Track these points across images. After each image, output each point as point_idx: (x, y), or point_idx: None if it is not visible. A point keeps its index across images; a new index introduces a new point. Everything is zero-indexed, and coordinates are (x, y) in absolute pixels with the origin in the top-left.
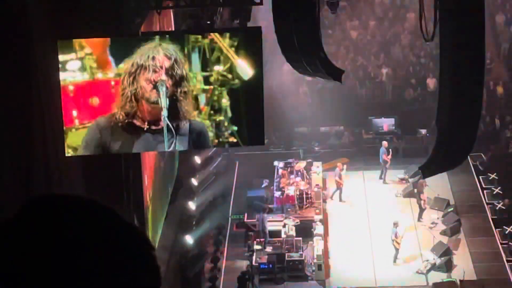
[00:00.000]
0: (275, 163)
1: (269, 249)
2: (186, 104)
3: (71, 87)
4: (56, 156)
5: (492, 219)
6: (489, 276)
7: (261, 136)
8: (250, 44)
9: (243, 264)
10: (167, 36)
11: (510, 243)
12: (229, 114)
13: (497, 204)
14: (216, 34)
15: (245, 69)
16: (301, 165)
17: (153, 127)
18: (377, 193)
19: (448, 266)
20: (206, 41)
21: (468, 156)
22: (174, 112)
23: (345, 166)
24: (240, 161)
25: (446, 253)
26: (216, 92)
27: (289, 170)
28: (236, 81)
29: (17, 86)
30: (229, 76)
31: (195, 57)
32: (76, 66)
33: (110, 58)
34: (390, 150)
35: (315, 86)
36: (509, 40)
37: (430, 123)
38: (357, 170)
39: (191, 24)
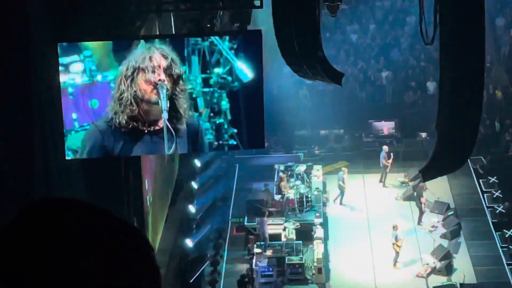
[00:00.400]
0: (275, 166)
1: (269, 252)
2: (184, 102)
3: (70, 90)
4: (56, 160)
5: (492, 222)
6: (489, 280)
7: (261, 139)
8: (250, 47)
9: (243, 267)
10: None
11: (510, 246)
12: (229, 116)
13: (497, 208)
14: (216, 37)
15: (245, 72)
16: (301, 168)
17: (153, 129)
18: (377, 197)
19: (448, 270)
20: (206, 43)
21: (468, 160)
22: (173, 112)
23: (347, 171)
24: (240, 164)
25: (446, 256)
26: (216, 95)
27: (289, 173)
28: (236, 83)
29: (17, 88)
30: (229, 78)
31: (195, 60)
32: (77, 68)
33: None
34: (391, 154)
35: (315, 89)
36: (509, 44)
37: (430, 127)
38: (357, 174)
39: (191, 28)
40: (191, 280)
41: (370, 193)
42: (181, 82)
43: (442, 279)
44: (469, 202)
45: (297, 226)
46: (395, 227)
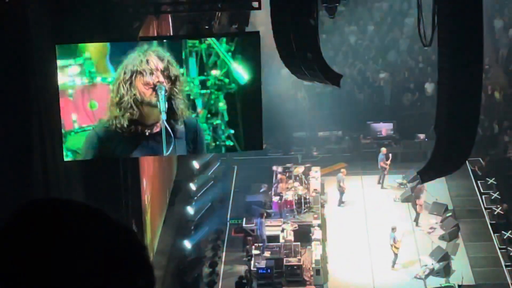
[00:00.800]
0: (274, 168)
1: (267, 254)
2: (181, 103)
3: (70, 91)
4: (54, 161)
5: (490, 224)
6: (487, 281)
7: (259, 141)
8: (248, 48)
9: (241, 269)
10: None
11: (508, 248)
12: (226, 118)
13: (495, 209)
14: (213, 39)
15: (241, 74)
16: (299, 170)
17: (153, 131)
18: (376, 198)
19: (446, 271)
20: (204, 45)
21: (467, 161)
22: (171, 113)
23: (345, 172)
24: (238, 166)
25: (445, 258)
26: (213, 96)
27: (287, 175)
28: (233, 85)
29: (16, 89)
30: (226, 80)
31: (192, 62)
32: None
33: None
34: (390, 155)
35: (314, 91)
36: (507, 45)
37: (429, 128)
38: (356, 175)
39: (189, 29)
40: (190, 282)
41: (368, 195)
42: (178, 82)
43: (440, 281)
44: (467, 203)
45: (295, 227)
46: (393, 229)
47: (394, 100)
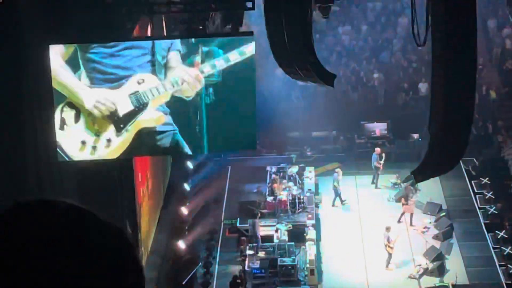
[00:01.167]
0: (268, 168)
1: (261, 254)
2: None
3: None
4: (48, 162)
5: (484, 223)
6: (481, 281)
7: (253, 141)
8: (242, 48)
9: (235, 269)
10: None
11: (502, 247)
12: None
13: (489, 209)
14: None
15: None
16: (293, 170)
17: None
18: (370, 198)
19: (440, 271)
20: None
21: (460, 161)
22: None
23: (340, 171)
24: (232, 166)
25: (439, 257)
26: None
27: (281, 175)
28: (228, 85)
29: (9, 90)
30: (220, 79)
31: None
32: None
33: None
34: (384, 155)
35: (307, 91)
36: (501, 45)
37: (423, 128)
38: (350, 175)
39: (183, 29)
40: (184, 282)
41: (362, 195)
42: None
43: (434, 280)
44: (461, 203)
45: (290, 227)
46: (387, 229)
47: (388, 100)
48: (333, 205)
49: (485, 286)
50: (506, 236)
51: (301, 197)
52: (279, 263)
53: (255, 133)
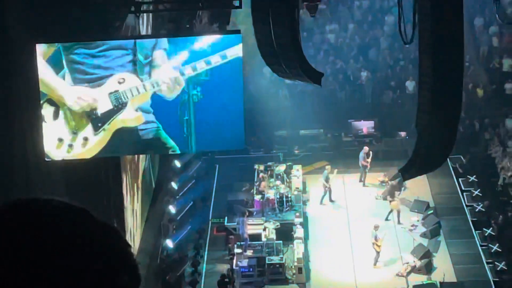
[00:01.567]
0: (255, 166)
1: (249, 252)
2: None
3: None
4: (36, 161)
5: (471, 221)
6: (469, 278)
7: (241, 140)
8: (229, 47)
9: (223, 267)
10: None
11: (490, 245)
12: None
13: (476, 206)
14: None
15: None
16: (281, 168)
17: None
18: (357, 196)
19: (428, 269)
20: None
21: (448, 159)
22: None
23: (330, 169)
24: (220, 164)
25: (426, 255)
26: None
27: (269, 173)
28: (215, 83)
29: None
30: (207, 78)
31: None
32: None
33: None
34: (371, 153)
35: (295, 89)
36: (487, 43)
37: (410, 126)
38: (337, 173)
39: (170, 28)
40: (172, 281)
41: (350, 193)
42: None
43: (422, 278)
44: (448, 201)
45: (277, 226)
46: (375, 227)
47: (375, 98)
48: (321, 203)
49: (473, 284)
50: (494, 234)
51: (289, 196)
52: (267, 262)
53: (243, 132)
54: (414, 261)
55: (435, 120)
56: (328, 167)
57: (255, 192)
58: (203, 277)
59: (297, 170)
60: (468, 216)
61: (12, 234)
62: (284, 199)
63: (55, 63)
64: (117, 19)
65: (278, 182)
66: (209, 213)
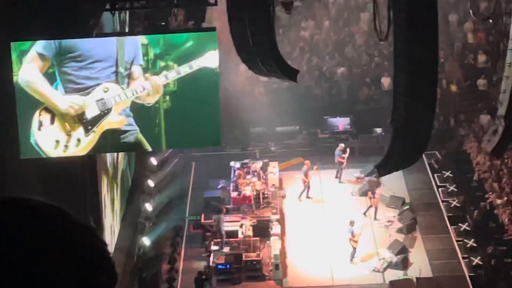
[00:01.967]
0: (232, 163)
1: (226, 249)
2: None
3: None
4: (11, 159)
5: (447, 216)
6: (445, 273)
7: (217, 137)
8: (205, 44)
9: (200, 265)
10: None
11: (465, 240)
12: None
13: (452, 202)
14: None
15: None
16: (257, 165)
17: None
18: (334, 192)
19: (404, 264)
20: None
21: (423, 155)
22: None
23: (310, 164)
24: (196, 162)
25: (403, 251)
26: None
27: (245, 170)
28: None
29: None
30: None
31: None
32: None
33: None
34: (347, 149)
35: (271, 86)
36: (462, 39)
37: (386, 122)
38: (315, 170)
39: (146, 25)
40: (149, 278)
41: (326, 189)
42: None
43: (398, 274)
44: (424, 196)
45: (254, 222)
46: (352, 223)
47: (351, 94)
48: (299, 198)
49: (449, 279)
50: (469, 229)
51: (266, 192)
52: (244, 259)
53: (219, 130)
54: (390, 257)
55: (410, 116)
56: (307, 161)
57: (231, 189)
58: (180, 275)
59: (274, 167)
60: (444, 212)
61: None
62: (261, 195)
63: (50, 76)
64: (92, 16)
65: (254, 179)
66: (185, 211)
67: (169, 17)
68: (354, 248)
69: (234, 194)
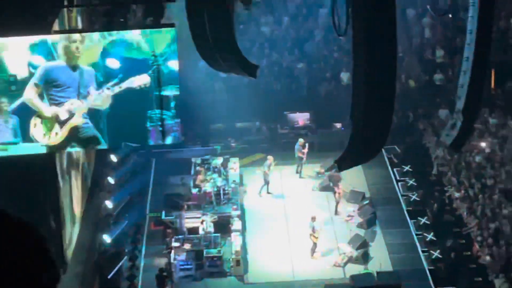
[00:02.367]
0: (192, 159)
1: (187, 246)
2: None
3: None
4: None
5: (407, 210)
6: (405, 267)
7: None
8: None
9: (161, 261)
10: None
11: (424, 233)
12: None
13: (411, 196)
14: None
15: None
16: (218, 161)
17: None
18: (294, 188)
19: (365, 258)
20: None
21: (383, 149)
22: None
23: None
24: (156, 158)
25: (363, 245)
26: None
27: (206, 166)
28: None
29: None
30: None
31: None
32: None
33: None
34: (307, 145)
35: (231, 82)
36: (420, 34)
37: (345, 117)
38: (275, 165)
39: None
40: (110, 276)
41: (287, 184)
42: None
43: (359, 268)
44: (384, 191)
45: (215, 219)
46: (313, 218)
47: (310, 90)
48: (259, 194)
49: (408, 272)
50: (428, 223)
51: (226, 189)
52: (205, 255)
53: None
54: (351, 251)
55: (369, 111)
56: (270, 157)
57: (192, 185)
58: (141, 272)
59: (234, 163)
60: (403, 206)
61: None
62: (221, 192)
63: (40, 95)
64: (50, 13)
65: (215, 175)
66: (146, 207)
67: (128, 14)
68: (315, 243)
69: (194, 191)
